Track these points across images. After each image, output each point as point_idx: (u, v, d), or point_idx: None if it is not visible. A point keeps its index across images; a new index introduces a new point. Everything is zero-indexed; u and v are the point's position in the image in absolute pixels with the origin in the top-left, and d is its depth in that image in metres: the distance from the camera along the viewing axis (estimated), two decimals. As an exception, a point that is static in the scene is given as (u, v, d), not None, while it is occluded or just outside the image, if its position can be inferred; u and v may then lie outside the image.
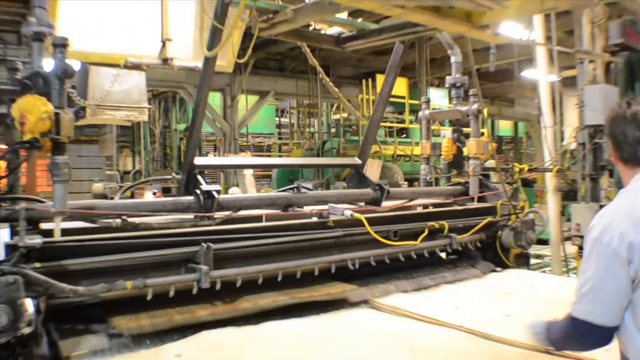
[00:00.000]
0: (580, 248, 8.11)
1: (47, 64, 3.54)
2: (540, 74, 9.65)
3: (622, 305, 2.44)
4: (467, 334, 3.71)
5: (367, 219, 4.62)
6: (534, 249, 7.43)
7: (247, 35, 4.89)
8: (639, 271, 2.36)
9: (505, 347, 3.46)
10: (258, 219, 4.51)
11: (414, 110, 18.08)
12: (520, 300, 4.44)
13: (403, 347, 3.42)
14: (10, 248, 3.16)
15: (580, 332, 2.54)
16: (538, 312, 4.05)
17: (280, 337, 3.58)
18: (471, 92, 6.07)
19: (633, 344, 2.47)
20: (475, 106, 6.05)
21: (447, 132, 6.72)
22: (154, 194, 14.60)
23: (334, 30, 5.70)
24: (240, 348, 3.37)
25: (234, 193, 8.14)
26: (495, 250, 5.72)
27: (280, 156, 24.93)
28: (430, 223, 5.08)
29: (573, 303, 2.55)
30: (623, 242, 2.37)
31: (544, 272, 9.15)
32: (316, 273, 4.31)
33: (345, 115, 20.01)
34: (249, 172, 13.75)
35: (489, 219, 5.62)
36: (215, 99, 18.53)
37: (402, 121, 19.32)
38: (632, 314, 2.45)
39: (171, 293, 3.62)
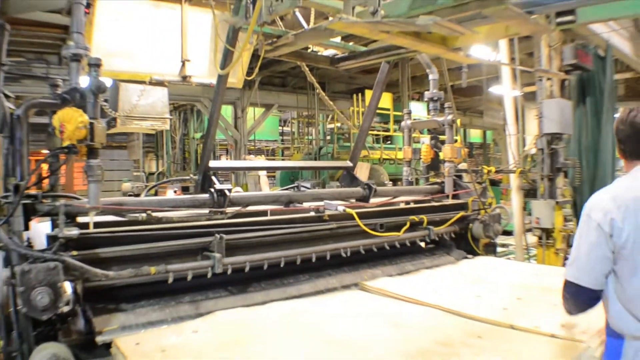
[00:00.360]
0: (540, 238, 8.14)
1: (83, 81, 3.54)
2: (505, 90, 9.66)
3: (604, 273, 2.59)
4: (444, 312, 3.71)
5: (357, 213, 4.62)
6: (500, 239, 7.43)
7: (255, 56, 4.89)
8: (617, 245, 2.53)
9: (476, 323, 3.47)
10: (264, 213, 4.51)
11: (398, 121, 18.09)
12: (489, 283, 4.45)
13: (389, 324, 3.43)
14: (51, 238, 3.15)
15: (571, 292, 2.68)
16: (503, 294, 4.08)
17: (284, 315, 3.58)
18: (446, 104, 6.07)
19: (613, 309, 2.63)
20: (449, 117, 6.06)
21: (425, 139, 6.71)
22: (175, 192, 14.58)
23: (329, 52, 5.71)
24: (249, 325, 3.37)
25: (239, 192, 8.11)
26: (467, 240, 5.72)
27: (282, 159, 24.98)
28: (411, 217, 5.08)
29: (567, 268, 2.71)
30: (606, 219, 2.54)
31: (508, 259, 9.18)
32: (313, 260, 4.31)
33: (338, 124, 20.03)
34: (263, 173, 13.83)
35: (462, 213, 5.62)
36: (227, 111, 18.53)
37: (387, 130, 19.35)
38: (614, 283, 2.61)
39: (189, 277, 3.62)
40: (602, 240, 2.55)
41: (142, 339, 2.99)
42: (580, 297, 2.67)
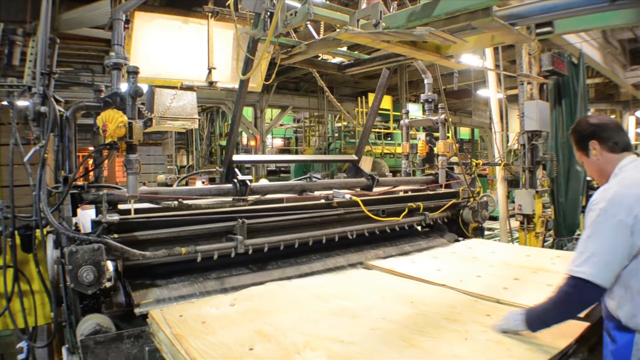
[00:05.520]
0: (522, 223, 8.09)
1: (123, 87, 3.54)
2: (491, 92, 9.58)
3: (617, 271, 2.30)
4: (451, 290, 3.53)
5: (362, 200, 4.60)
6: (487, 224, 7.38)
7: (272, 63, 4.87)
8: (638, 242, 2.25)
9: (483, 301, 3.26)
10: (280, 201, 4.49)
11: (397, 120, 18.07)
12: (485, 263, 4.35)
13: (404, 300, 3.28)
14: (95, 223, 3.16)
15: (578, 289, 2.32)
16: (501, 274, 3.95)
17: (302, 289, 3.56)
18: (440, 105, 6.04)
19: (631, 304, 2.33)
20: (442, 116, 6.02)
21: (421, 135, 6.67)
22: (203, 182, 14.62)
23: (337, 59, 5.68)
24: (274, 296, 3.36)
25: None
26: (458, 224, 5.68)
27: (296, 154, 24.98)
28: (409, 204, 5.05)
29: (573, 265, 2.34)
30: (630, 216, 2.24)
31: (495, 241, 9.14)
32: (324, 241, 4.29)
33: (345, 123, 20.03)
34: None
35: (454, 200, 5.58)
36: (248, 112, 18.59)
37: (388, 128, 19.29)
38: (635, 279, 2.30)
39: (215, 257, 3.61)
40: (624, 237, 2.25)
41: (184, 312, 2.97)
42: (588, 295, 2.35)
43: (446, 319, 2.90)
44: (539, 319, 2.49)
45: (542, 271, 3.91)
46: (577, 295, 2.35)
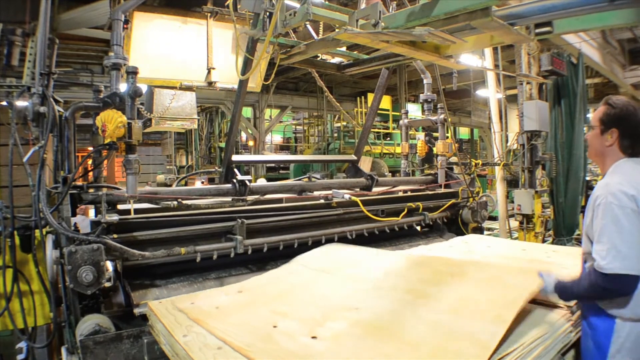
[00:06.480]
0: (521, 223, 8.10)
1: (123, 87, 3.55)
2: (490, 92, 9.59)
3: None
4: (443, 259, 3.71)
5: (361, 201, 4.60)
6: (486, 224, 7.39)
7: (271, 63, 4.87)
8: None
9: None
10: (279, 201, 4.49)
11: (396, 120, 18.08)
12: (480, 255, 4.36)
13: (399, 269, 3.43)
14: (94, 223, 3.17)
15: (619, 286, 2.34)
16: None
17: (307, 279, 3.60)
18: (439, 105, 6.04)
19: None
20: (442, 116, 6.02)
21: (421, 135, 6.68)
22: (202, 182, 14.63)
23: (336, 59, 5.68)
24: (279, 281, 3.43)
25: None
26: (457, 224, 5.68)
27: (296, 151, 24.99)
28: (408, 204, 5.05)
29: (605, 263, 2.32)
30: (635, 202, 2.32)
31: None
32: (323, 241, 4.29)
33: (344, 123, 20.04)
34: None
35: (453, 200, 5.58)
36: (247, 112, 18.58)
37: (387, 128, 19.30)
38: None
39: (214, 257, 3.62)
40: (638, 224, 2.31)
41: (195, 299, 3.01)
42: (629, 287, 2.34)
43: (442, 273, 3.10)
44: (573, 296, 2.64)
45: (537, 262, 3.95)
46: (618, 290, 2.37)
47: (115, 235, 3.19)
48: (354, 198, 4.59)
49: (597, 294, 2.44)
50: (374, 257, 3.76)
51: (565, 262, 3.62)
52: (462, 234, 5.62)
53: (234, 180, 4.30)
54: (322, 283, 3.26)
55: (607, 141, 2.60)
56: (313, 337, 2.34)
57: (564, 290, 2.61)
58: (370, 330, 2.39)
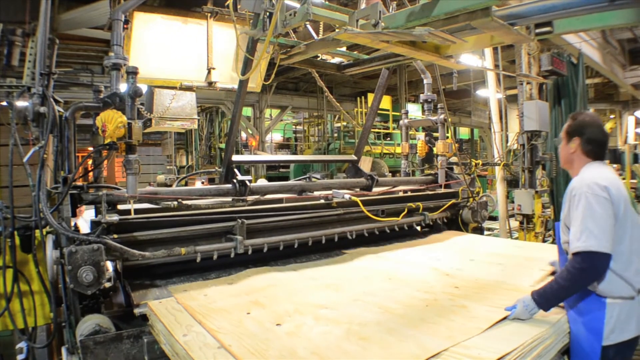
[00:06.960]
0: (521, 223, 8.10)
1: (123, 87, 3.54)
2: (490, 92, 9.60)
3: (612, 238, 2.54)
4: (427, 268, 3.88)
5: (362, 201, 4.60)
6: (486, 224, 7.39)
7: (271, 63, 4.87)
8: (616, 215, 2.57)
9: (453, 276, 3.61)
10: (280, 201, 4.49)
11: (396, 120, 18.08)
12: (475, 252, 4.44)
13: (384, 277, 3.63)
14: (94, 223, 3.17)
15: (592, 262, 2.51)
16: (489, 260, 4.11)
17: (300, 275, 3.75)
18: (439, 105, 6.04)
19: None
20: (442, 116, 6.02)
21: (421, 136, 6.67)
22: (202, 182, 14.63)
23: (336, 59, 5.68)
24: (268, 276, 3.65)
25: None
26: (457, 224, 5.69)
27: (296, 154, 24.97)
28: (408, 204, 5.05)
29: (579, 243, 2.52)
30: (610, 193, 2.57)
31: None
32: (323, 241, 4.30)
33: (344, 123, 20.04)
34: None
35: (453, 200, 5.58)
36: (247, 112, 18.57)
37: (387, 128, 19.31)
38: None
39: (214, 257, 3.62)
40: (611, 211, 2.55)
41: (188, 287, 3.31)
42: (601, 264, 2.54)
43: (418, 291, 3.26)
44: (554, 297, 2.65)
45: (533, 258, 4.04)
46: (591, 268, 2.53)
47: (115, 236, 3.19)
48: (354, 198, 4.59)
49: (574, 277, 2.55)
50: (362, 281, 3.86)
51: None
52: (462, 234, 5.63)
53: (234, 181, 4.30)
54: (307, 285, 3.46)
55: (572, 149, 2.92)
56: (277, 325, 2.63)
57: (543, 295, 2.65)
58: (329, 323, 2.65)
